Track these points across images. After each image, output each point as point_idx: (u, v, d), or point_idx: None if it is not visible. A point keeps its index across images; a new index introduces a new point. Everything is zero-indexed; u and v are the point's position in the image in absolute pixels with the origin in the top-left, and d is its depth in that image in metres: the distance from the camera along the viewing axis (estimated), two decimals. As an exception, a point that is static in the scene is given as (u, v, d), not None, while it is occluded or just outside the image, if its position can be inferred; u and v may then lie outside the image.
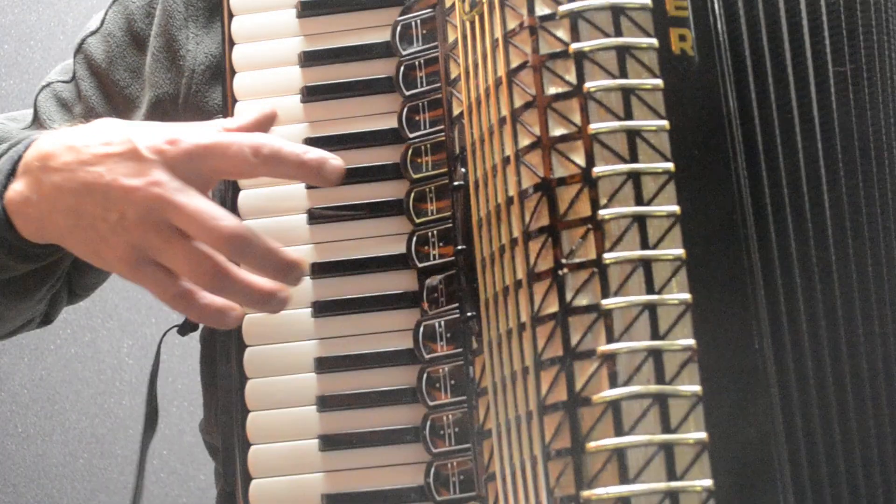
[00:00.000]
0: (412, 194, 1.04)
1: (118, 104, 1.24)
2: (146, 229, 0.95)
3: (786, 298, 0.92)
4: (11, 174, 1.03)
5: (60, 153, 1.00)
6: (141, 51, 1.23)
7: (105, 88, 1.24)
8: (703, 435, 0.84)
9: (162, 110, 1.19)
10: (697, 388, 0.85)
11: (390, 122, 1.07)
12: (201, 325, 1.23)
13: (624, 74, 0.90)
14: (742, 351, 0.87)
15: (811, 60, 0.96)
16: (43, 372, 2.40)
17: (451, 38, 1.02)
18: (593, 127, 0.89)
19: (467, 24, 0.99)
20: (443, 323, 1.00)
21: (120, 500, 1.15)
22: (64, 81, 1.27)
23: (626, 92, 0.90)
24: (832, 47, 0.96)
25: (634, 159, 0.89)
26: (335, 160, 0.98)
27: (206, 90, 1.18)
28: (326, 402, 1.03)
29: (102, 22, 1.27)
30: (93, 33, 1.27)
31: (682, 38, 0.92)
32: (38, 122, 1.25)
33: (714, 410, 0.85)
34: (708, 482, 0.83)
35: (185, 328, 1.13)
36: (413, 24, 1.06)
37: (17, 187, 1.02)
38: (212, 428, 1.20)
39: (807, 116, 0.95)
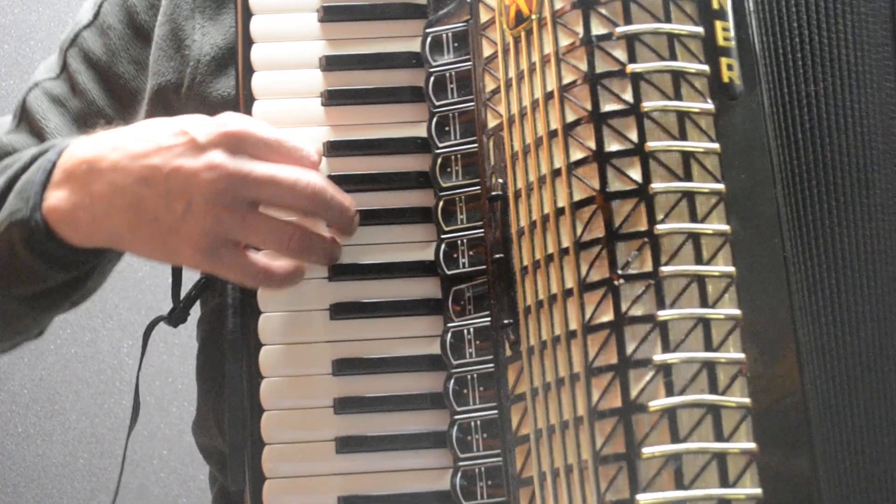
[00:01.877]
0: (441, 203, 1.05)
1: (121, 96, 1.22)
2: (218, 211, 0.94)
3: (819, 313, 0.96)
4: (45, 184, 1.00)
5: (107, 153, 0.98)
6: (146, 42, 1.22)
7: (107, 82, 1.22)
8: (752, 445, 0.88)
9: (164, 99, 1.18)
10: (747, 401, 0.89)
11: (411, 131, 1.08)
12: (198, 322, 1.21)
13: (679, 97, 0.94)
14: (785, 366, 0.91)
15: (804, 84, 1.01)
16: (43, 372, 2.35)
17: (486, 52, 1.04)
18: (651, 145, 0.92)
19: (510, 39, 1.01)
20: (472, 329, 1.01)
21: (120, 500, 1.12)
22: (52, 78, 1.24)
23: (681, 114, 0.93)
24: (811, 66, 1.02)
25: (689, 178, 0.92)
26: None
27: (211, 81, 1.17)
28: (344, 405, 1.03)
29: (96, 15, 1.25)
30: (86, 27, 1.25)
31: (730, 67, 0.96)
32: (26, 122, 1.22)
33: (761, 423, 0.89)
34: (757, 491, 0.87)
35: (174, 318, 1.10)
36: (444, 35, 1.08)
37: (61, 195, 0.99)
38: (208, 428, 1.18)
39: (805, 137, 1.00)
